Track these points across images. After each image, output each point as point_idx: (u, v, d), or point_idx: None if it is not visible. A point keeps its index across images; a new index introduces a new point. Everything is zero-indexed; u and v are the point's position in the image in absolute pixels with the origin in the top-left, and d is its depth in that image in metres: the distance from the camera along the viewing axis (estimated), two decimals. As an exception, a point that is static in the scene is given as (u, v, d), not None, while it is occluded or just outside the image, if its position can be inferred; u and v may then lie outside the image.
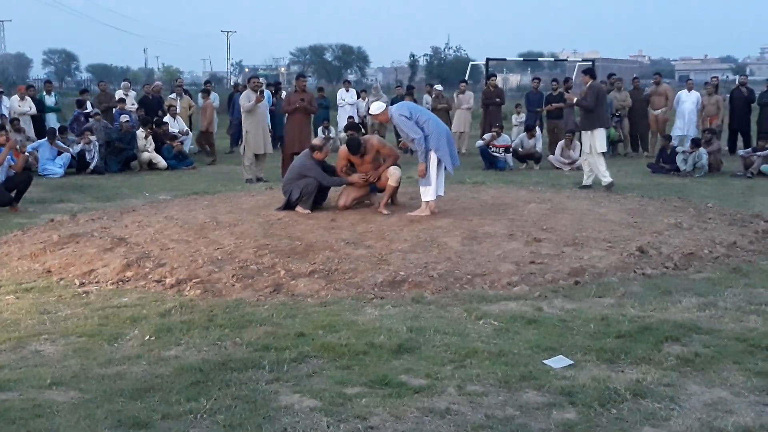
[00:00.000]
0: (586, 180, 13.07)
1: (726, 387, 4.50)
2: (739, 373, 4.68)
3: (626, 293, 6.48)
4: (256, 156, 14.46)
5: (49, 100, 18.49)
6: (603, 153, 12.84)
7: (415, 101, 16.10)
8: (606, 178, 12.63)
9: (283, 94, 19.16)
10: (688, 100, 18.22)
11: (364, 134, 11.25)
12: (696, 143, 15.24)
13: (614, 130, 18.24)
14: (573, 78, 26.76)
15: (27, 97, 17.59)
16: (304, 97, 14.40)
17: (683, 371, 4.74)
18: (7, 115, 16.81)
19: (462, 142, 19.20)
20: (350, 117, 19.29)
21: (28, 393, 4.50)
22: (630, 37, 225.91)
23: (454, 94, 19.91)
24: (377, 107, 10.08)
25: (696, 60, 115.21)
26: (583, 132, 13.13)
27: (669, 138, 16.54)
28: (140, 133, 16.67)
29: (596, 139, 12.74)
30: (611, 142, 18.45)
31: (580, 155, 16.19)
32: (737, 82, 19.89)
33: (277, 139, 19.70)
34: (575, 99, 13.24)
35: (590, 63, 25.17)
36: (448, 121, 18.53)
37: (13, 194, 11.38)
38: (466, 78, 24.74)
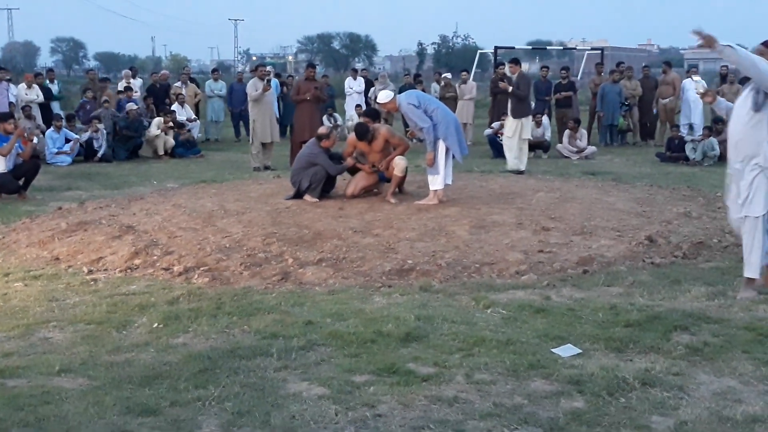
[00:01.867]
0: (520, 165, 13.48)
1: (735, 376, 4.48)
2: (748, 362, 4.66)
3: (635, 282, 6.46)
4: (263, 144, 14.44)
5: (53, 89, 18.49)
6: (526, 140, 13.61)
7: (423, 90, 16.05)
8: (522, 165, 13.32)
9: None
10: (692, 89, 18.12)
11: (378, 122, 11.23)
12: (708, 131, 15.18)
13: (623, 119, 18.17)
14: (582, 67, 26.67)
15: (34, 85, 17.58)
16: (318, 86, 14.36)
17: (692, 360, 4.73)
18: (15, 103, 16.81)
19: (466, 134, 19.13)
20: (357, 105, 19.25)
21: (37, 380, 4.51)
22: (639, 26, 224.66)
23: (456, 84, 19.78)
24: (385, 96, 10.06)
25: (705, 49, 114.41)
26: (511, 119, 13.61)
27: (677, 127, 16.47)
28: (156, 121, 16.64)
29: (524, 127, 13.46)
30: (619, 132, 18.40)
31: (587, 144, 16.20)
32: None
33: (287, 127, 19.78)
34: (510, 88, 13.67)
35: (599, 51, 25.07)
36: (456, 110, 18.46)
37: (20, 182, 11.40)
38: (474, 67, 24.66)
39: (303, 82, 14.62)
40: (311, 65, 15.50)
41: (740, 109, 5.93)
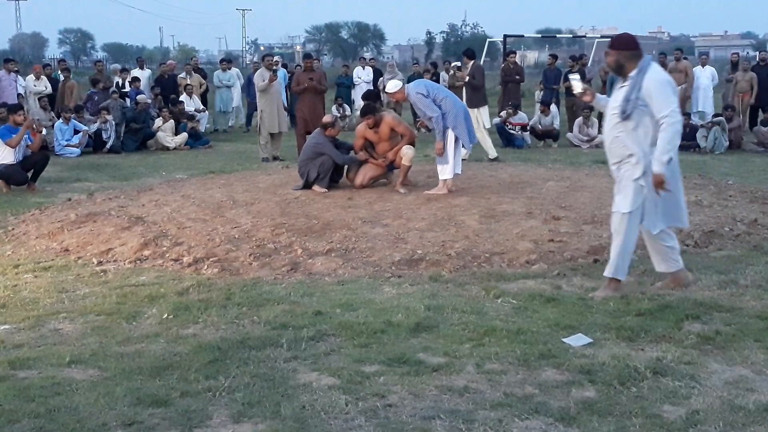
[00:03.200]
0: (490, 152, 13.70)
1: (747, 365, 4.45)
2: (760, 351, 4.63)
3: (646, 271, 6.42)
4: (272, 135, 14.42)
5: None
6: (487, 129, 14.02)
7: (437, 79, 16.05)
8: (492, 152, 13.56)
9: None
10: (703, 76, 18.05)
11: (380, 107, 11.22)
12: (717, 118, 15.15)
13: None
14: (592, 55, 26.53)
15: (42, 77, 17.61)
16: (313, 77, 14.35)
17: (704, 349, 4.70)
18: (24, 94, 16.85)
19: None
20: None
21: (47, 371, 4.52)
22: (649, 13, 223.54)
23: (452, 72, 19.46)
24: (394, 85, 10.03)
25: (716, 36, 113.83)
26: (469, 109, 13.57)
27: (688, 116, 16.39)
28: (159, 121, 16.62)
29: (482, 116, 13.86)
30: None
31: (598, 132, 16.14)
32: (758, 59, 19.61)
33: (295, 117, 19.73)
34: (467, 78, 14.26)
35: (609, 39, 24.91)
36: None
37: (29, 174, 11.42)
38: (483, 55, 24.55)
39: (301, 74, 14.69)
40: (307, 56, 15.60)
41: (611, 112, 5.76)
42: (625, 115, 5.61)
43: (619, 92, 5.74)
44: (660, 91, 5.55)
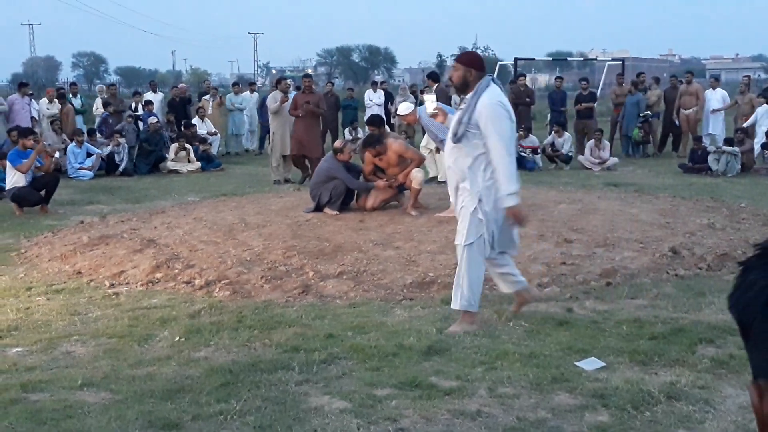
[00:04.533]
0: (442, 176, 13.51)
1: (762, 390, 4.41)
2: (775, 375, 4.59)
3: (659, 294, 6.40)
4: (283, 157, 14.45)
5: (75, 103, 18.63)
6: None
7: (449, 101, 16.10)
8: (439, 175, 13.20)
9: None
10: (713, 99, 18.04)
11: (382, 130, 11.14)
12: (728, 143, 15.11)
13: (638, 130, 18.02)
14: (603, 78, 26.59)
15: (56, 100, 17.75)
16: (311, 99, 13.99)
17: (718, 373, 4.67)
18: (38, 118, 16.97)
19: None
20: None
21: (60, 394, 4.52)
22: (660, 36, 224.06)
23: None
24: (405, 108, 10.07)
25: (727, 59, 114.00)
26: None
27: (700, 139, 16.38)
28: (174, 147, 16.65)
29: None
30: (635, 143, 18.25)
31: (610, 155, 16.14)
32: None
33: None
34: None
35: (620, 62, 24.97)
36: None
37: (42, 193, 11.46)
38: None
39: (300, 95, 14.25)
40: (306, 75, 15.47)
41: (449, 135, 5.58)
42: (456, 138, 5.42)
43: (457, 113, 5.57)
44: (490, 115, 5.31)
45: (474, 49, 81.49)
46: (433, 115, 6.01)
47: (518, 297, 5.90)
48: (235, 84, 23.71)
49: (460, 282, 5.55)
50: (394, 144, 10.14)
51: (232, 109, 20.36)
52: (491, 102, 5.35)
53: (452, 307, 5.66)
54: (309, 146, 13.71)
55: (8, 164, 11.32)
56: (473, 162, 5.40)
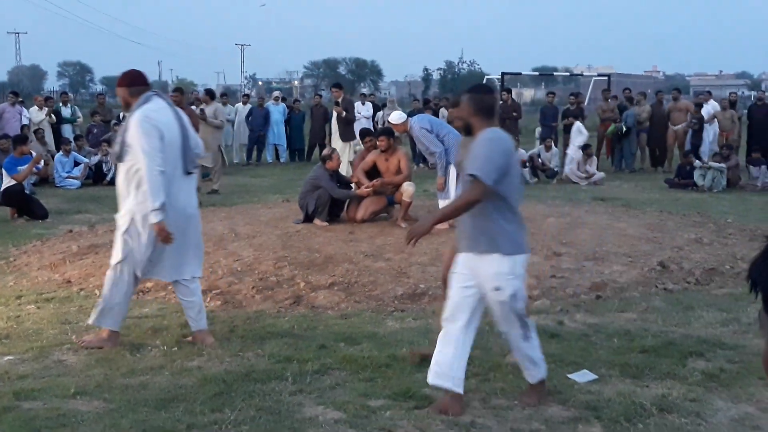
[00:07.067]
0: None
1: (752, 402, 4.47)
2: (765, 388, 4.64)
3: (648, 308, 6.45)
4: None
5: (65, 112, 18.56)
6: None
7: (436, 114, 16.19)
8: None
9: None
10: (706, 113, 18.15)
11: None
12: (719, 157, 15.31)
13: (614, 126, 18.02)
14: (588, 93, 26.73)
15: (45, 108, 17.68)
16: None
17: (709, 386, 4.71)
18: (29, 126, 16.89)
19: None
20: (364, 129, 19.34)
21: (53, 402, 4.51)
22: (644, 52, 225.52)
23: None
24: (398, 117, 10.12)
25: (711, 76, 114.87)
26: (341, 143, 14.89)
27: (688, 154, 16.49)
28: None
29: (353, 149, 14.65)
30: (612, 135, 18.29)
31: (597, 169, 16.24)
32: (753, 98, 19.73)
33: (294, 152, 20.04)
34: (343, 113, 15.23)
35: (605, 78, 25.13)
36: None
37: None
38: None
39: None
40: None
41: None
42: (118, 158, 5.37)
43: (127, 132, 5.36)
44: (135, 132, 5.24)
45: (460, 63, 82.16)
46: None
47: (195, 337, 5.66)
48: (223, 95, 23.69)
49: (102, 298, 5.61)
50: (402, 152, 10.21)
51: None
52: (136, 118, 5.28)
53: (89, 321, 5.70)
54: None
55: (4, 172, 11.23)
56: (130, 180, 5.36)
